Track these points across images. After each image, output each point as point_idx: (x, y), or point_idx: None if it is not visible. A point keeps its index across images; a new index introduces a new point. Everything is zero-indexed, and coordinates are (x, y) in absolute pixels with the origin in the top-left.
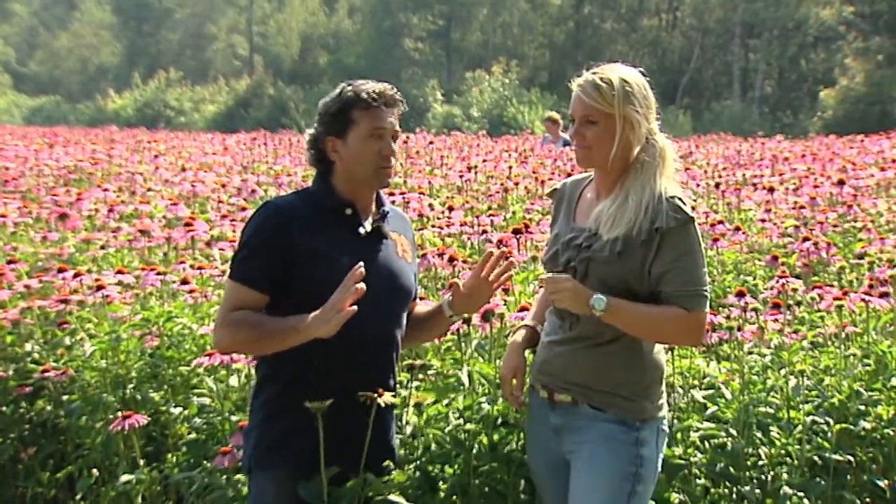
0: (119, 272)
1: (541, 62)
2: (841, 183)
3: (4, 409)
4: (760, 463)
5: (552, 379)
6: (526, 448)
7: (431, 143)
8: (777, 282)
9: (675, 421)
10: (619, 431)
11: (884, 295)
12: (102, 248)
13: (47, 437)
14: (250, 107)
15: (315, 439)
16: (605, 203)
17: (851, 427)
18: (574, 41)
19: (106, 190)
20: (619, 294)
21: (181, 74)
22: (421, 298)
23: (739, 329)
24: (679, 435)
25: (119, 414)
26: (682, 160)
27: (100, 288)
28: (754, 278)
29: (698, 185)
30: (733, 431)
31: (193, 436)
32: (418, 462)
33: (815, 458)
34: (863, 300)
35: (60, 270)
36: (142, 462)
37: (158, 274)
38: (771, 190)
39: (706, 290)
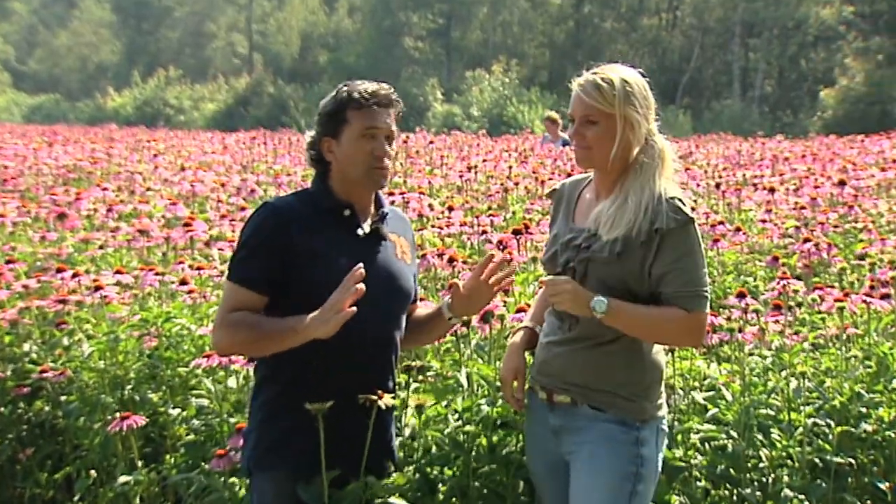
0: (118, 272)
1: (541, 61)
2: (842, 183)
3: (2, 409)
4: (761, 465)
5: (551, 380)
6: (525, 449)
7: (431, 142)
8: (778, 283)
9: (676, 423)
10: (619, 431)
11: (885, 296)
12: (101, 247)
13: (45, 437)
14: (250, 105)
15: (314, 440)
16: (605, 204)
17: (852, 429)
18: (574, 40)
19: (105, 189)
20: (619, 295)
21: (181, 73)
22: (421, 299)
23: (740, 330)
24: (679, 437)
25: (117, 415)
26: (682, 160)
27: (98, 288)
28: (755, 279)
29: (698, 186)
30: (734, 433)
31: (192, 437)
32: (417, 464)
33: (816, 460)
34: (864, 301)
35: (59, 270)
36: (140, 463)
37: (157, 274)
38: (771, 190)
39: (706, 291)
